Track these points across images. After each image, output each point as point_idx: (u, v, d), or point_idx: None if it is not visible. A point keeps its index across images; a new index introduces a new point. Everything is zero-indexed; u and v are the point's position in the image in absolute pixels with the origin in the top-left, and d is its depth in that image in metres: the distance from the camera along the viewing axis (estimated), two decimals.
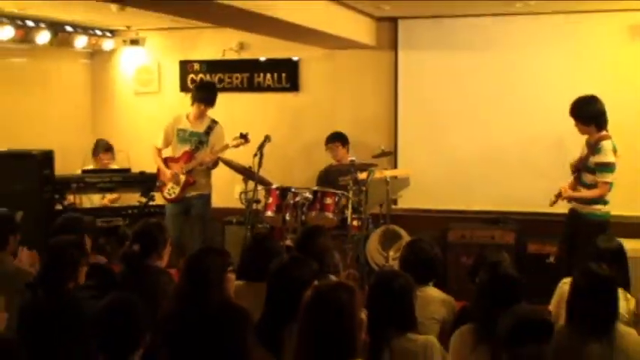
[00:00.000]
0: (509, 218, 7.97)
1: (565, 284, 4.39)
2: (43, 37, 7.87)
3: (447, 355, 3.78)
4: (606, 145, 6.06)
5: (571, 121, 6.29)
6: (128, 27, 9.11)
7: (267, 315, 3.77)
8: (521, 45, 8.07)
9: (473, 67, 8.20)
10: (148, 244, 4.92)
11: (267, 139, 7.09)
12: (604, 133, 6.14)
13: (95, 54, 9.45)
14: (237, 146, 7.39)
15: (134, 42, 9.28)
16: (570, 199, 6.26)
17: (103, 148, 8.34)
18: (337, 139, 8.14)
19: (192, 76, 9.18)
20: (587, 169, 6.14)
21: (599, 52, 7.82)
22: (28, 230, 5.37)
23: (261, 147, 7.03)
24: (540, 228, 7.70)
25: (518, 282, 3.87)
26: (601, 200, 6.12)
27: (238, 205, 7.55)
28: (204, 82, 8.84)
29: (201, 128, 7.54)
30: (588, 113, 6.17)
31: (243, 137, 7.36)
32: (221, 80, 9.13)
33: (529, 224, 7.89)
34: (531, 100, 8.01)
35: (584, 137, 6.28)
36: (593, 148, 6.10)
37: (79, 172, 7.93)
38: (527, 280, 4.01)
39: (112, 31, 9.20)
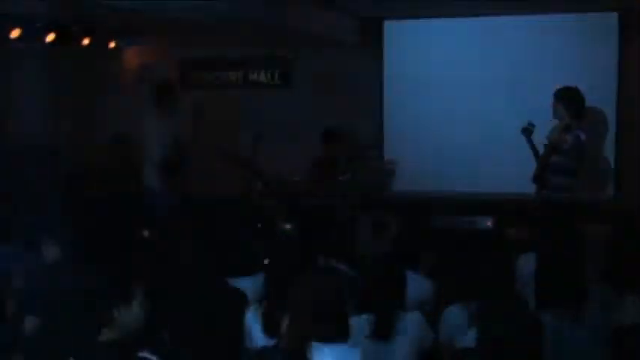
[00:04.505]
0: (489, 204, 8.03)
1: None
2: None
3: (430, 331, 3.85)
4: (582, 132, 6.17)
5: (545, 113, 6.39)
6: None
7: (270, 299, 3.83)
8: (499, 40, 8.12)
9: (454, 61, 8.25)
10: None
11: (260, 134, 7.14)
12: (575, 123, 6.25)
13: None
14: None
15: None
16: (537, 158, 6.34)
17: None
18: (336, 139, 8.10)
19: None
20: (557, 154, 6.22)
21: (574, 50, 7.85)
22: None
23: (255, 141, 7.08)
24: (516, 213, 7.75)
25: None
26: (570, 185, 6.19)
27: (236, 195, 7.59)
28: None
29: None
30: (571, 97, 6.27)
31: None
32: (218, 78, 9.17)
33: (506, 210, 7.94)
34: (510, 91, 8.07)
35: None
36: (564, 134, 6.18)
37: None
38: (504, 261, 4.07)
39: None
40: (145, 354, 3.07)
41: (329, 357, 2.85)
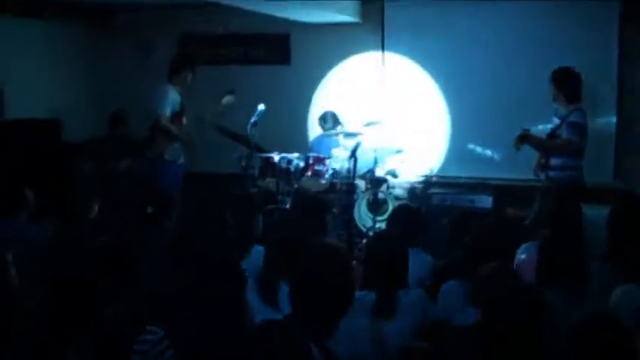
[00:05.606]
0: (488, 184, 8.06)
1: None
2: None
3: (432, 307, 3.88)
4: (581, 112, 6.19)
5: (545, 95, 6.41)
6: None
7: (267, 270, 3.87)
8: (500, 25, 8.11)
9: (453, 44, 8.25)
10: None
11: (261, 109, 7.15)
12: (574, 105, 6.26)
13: None
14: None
15: None
16: (534, 145, 6.35)
17: None
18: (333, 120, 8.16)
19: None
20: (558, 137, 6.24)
21: (575, 37, 7.79)
22: None
23: (257, 116, 7.10)
24: (516, 193, 7.79)
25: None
26: (574, 165, 6.21)
27: (235, 170, 7.60)
28: None
29: None
30: (566, 78, 6.28)
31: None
32: (218, 54, 9.16)
33: (506, 189, 7.98)
34: (509, 74, 8.06)
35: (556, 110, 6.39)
36: (566, 116, 6.20)
37: None
38: (503, 242, 4.10)
39: None
40: (152, 327, 3.09)
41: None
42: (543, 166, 6.37)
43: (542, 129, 6.65)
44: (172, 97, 7.22)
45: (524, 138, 6.28)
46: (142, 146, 7.42)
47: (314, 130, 8.42)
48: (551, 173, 6.30)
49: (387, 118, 8.38)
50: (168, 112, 7.14)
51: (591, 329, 2.71)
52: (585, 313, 2.82)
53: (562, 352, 2.77)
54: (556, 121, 6.33)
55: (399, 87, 8.54)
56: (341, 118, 8.16)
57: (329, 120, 8.08)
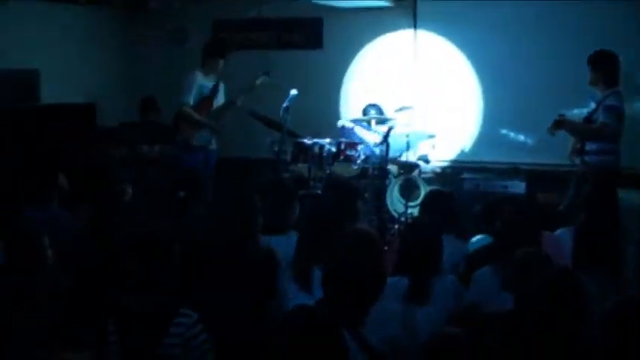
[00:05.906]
0: (521, 169, 8.00)
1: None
2: None
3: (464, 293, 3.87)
4: (617, 95, 6.09)
5: (580, 81, 6.32)
6: None
7: (299, 255, 3.89)
8: (537, 23, 8.02)
9: (488, 27, 8.18)
10: None
11: (293, 94, 7.15)
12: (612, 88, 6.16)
13: None
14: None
15: None
16: (570, 130, 6.27)
17: None
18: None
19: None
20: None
21: (616, 23, 7.67)
22: None
23: (289, 101, 7.10)
24: (550, 178, 7.72)
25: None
26: (610, 149, 6.12)
27: (268, 155, 7.62)
28: None
29: None
30: (603, 61, 6.19)
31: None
32: (250, 39, 9.17)
33: (539, 175, 7.91)
34: (544, 58, 7.97)
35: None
36: (603, 99, 6.11)
37: None
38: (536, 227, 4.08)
39: None
40: (185, 310, 3.12)
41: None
42: (579, 151, 6.28)
43: (577, 113, 6.58)
44: (202, 82, 7.27)
45: (560, 124, 6.20)
46: (170, 132, 7.49)
47: (346, 115, 8.38)
48: (587, 158, 6.20)
49: (419, 102, 8.35)
50: (191, 99, 7.20)
51: (626, 314, 2.70)
52: (620, 298, 2.80)
53: (596, 337, 2.76)
54: (593, 105, 6.23)
55: (431, 70, 8.49)
56: (384, 109, 8.08)
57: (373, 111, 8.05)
